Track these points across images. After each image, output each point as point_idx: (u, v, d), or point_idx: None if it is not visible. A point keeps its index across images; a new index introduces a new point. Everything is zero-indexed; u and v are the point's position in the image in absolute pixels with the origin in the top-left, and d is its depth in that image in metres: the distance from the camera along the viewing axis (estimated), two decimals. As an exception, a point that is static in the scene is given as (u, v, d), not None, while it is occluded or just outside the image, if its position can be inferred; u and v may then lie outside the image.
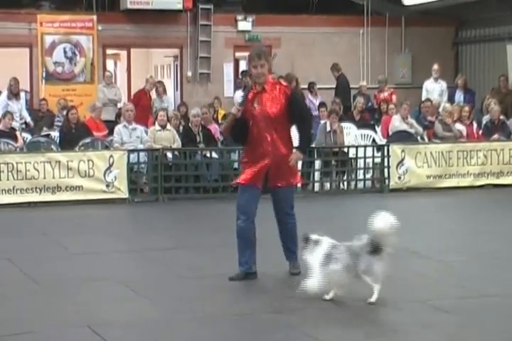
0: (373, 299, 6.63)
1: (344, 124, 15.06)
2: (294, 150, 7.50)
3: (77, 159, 12.72)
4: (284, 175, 7.55)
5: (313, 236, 7.01)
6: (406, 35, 20.10)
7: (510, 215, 11.36)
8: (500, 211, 11.91)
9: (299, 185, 7.57)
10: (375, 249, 6.61)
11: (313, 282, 6.71)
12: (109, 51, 19.74)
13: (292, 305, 6.70)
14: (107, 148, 13.72)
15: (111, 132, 14.35)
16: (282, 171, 7.51)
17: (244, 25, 19.23)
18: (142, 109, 15.90)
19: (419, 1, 19.22)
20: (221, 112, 16.86)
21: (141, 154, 13.35)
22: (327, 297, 6.79)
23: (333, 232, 10.27)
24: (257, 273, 7.64)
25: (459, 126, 15.25)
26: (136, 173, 13.38)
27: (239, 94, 17.26)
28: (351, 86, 17.83)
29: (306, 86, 17.65)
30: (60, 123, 15.02)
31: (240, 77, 19.07)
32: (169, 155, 13.53)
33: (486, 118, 16.03)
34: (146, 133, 14.05)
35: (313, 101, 17.31)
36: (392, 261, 8.05)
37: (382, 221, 6.58)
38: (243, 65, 20.95)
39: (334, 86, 17.83)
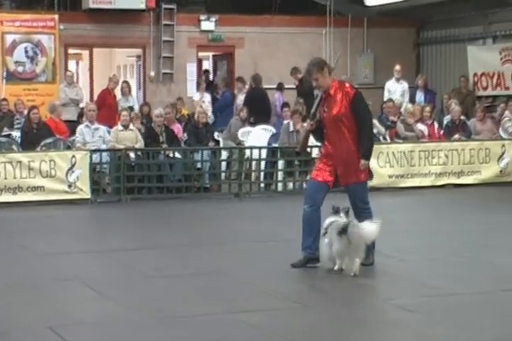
0: (336, 268, 7.74)
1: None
2: (360, 159, 7.88)
3: (39, 159, 12.61)
4: (352, 173, 7.93)
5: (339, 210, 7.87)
6: (368, 35, 20.20)
7: (471, 214, 11.47)
8: (462, 210, 12.03)
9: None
10: (342, 230, 7.54)
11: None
12: (71, 51, 19.59)
13: (259, 305, 6.71)
14: (69, 148, 13.63)
15: (73, 132, 14.25)
16: (350, 169, 7.92)
17: (208, 25, 19.19)
18: (109, 108, 15.81)
19: (381, 2, 19.34)
20: (184, 112, 16.82)
21: (104, 154, 13.29)
22: (335, 268, 7.74)
23: (295, 231, 10.34)
24: (319, 259, 7.98)
25: (420, 126, 15.37)
26: (99, 173, 13.31)
27: (197, 97, 17.30)
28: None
29: (271, 86, 17.69)
30: (19, 125, 14.88)
31: (203, 77, 19.06)
32: (132, 155, 13.47)
33: (447, 119, 16.19)
34: (109, 133, 13.98)
35: (282, 100, 17.35)
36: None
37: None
38: (206, 65, 21.00)
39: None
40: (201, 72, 19.74)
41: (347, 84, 7.99)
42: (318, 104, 8.06)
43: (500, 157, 14.83)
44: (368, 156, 7.96)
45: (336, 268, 7.78)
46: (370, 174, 8.17)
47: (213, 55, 20.47)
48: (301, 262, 8.00)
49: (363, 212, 8.01)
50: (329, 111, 7.90)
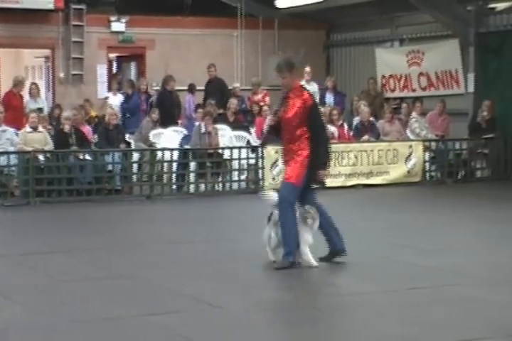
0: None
1: (219, 126, 15.15)
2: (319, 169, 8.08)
3: None
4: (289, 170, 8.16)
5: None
6: (279, 37, 20.36)
7: (378, 214, 11.69)
8: (369, 210, 12.24)
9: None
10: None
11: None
12: (-24, 51, 19.19)
13: (172, 306, 6.70)
14: (-25, 150, 13.34)
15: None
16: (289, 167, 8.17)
17: (118, 26, 19.02)
18: (14, 110, 15.50)
19: (291, 5, 19.51)
20: (92, 114, 16.64)
21: (12, 156, 13.05)
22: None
23: (208, 233, 10.36)
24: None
25: (330, 128, 15.55)
26: (7, 176, 13.08)
27: (114, 100, 17.10)
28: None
29: (182, 87, 17.66)
30: None
31: (118, 79, 18.82)
32: (41, 157, 13.27)
33: (356, 120, 16.44)
34: (17, 135, 13.73)
35: (193, 102, 17.33)
36: (267, 264, 8.20)
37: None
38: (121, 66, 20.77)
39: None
40: (112, 74, 19.53)
41: (306, 93, 8.14)
42: (281, 103, 8.27)
43: (408, 157, 15.17)
44: (324, 167, 8.11)
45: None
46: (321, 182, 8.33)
47: (117, 57, 20.18)
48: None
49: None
50: (285, 113, 8.12)
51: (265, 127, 8.40)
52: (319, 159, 8.04)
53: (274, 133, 8.40)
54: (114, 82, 17.95)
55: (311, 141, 8.02)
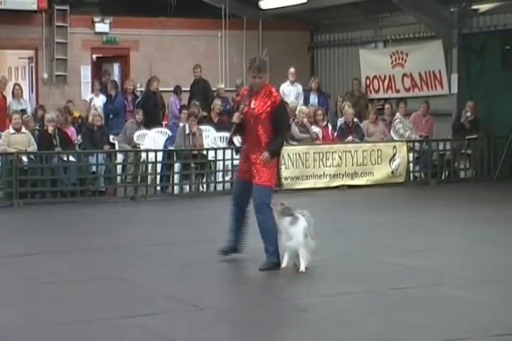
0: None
1: (203, 127, 15.14)
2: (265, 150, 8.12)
3: None
4: (256, 173, 8.17)
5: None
6: (263, 38, 20.38)
7: (362, 215, 11.70)
8: (353, 211, 12.26)
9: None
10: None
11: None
12: (-41, 52, 19.09)
13: (155, 308, 6.69)
14: (-42, 152, 13.26)
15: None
16: (255, 169, 8.19)
17: (102, 27, 18.98)
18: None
19: (275, 5, 19.53)
20: (76, 115, 16.58)
21: (-5, 158, 12.99)
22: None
23: (193, 234, 10.36)
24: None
25: (314, 129, 15.59)
26: (-10, 178, 13.01)
27: (97, 101, 17.04)
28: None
29: (165, 88, 17.65)
30: None
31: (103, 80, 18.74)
32: (24, 159, 13.22)
33: (340, 121, 16.46)
34: (0, 136, 13.67)
35: (178, 103, 17.32)
36: (251, 263, 8.21)
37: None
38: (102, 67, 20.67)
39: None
40: (101, 73, 19.39)
41: (275, 91, 8.28)
42: (245, 100, 8.28)
43: (392, 158, 15.21)
44: (272, 151, 8.10)
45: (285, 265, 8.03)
46: (279, 181, 8.34)
47: (97, 58, 20.05)
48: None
49: (256, 212, 8.15)
50: (252, 109, 8.17)
51: (233, 126, 8.37)
52: (273, 145, 8.12)
53: (238, 132, 8.43)
54: (96, 83, 17.91)
55: (272, 132, 8.13)
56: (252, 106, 8.19)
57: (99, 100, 17.10)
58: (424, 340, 5.89)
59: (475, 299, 6.93)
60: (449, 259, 8.60)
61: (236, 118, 8.27)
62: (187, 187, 14.21)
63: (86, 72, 19.05)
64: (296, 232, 7.90)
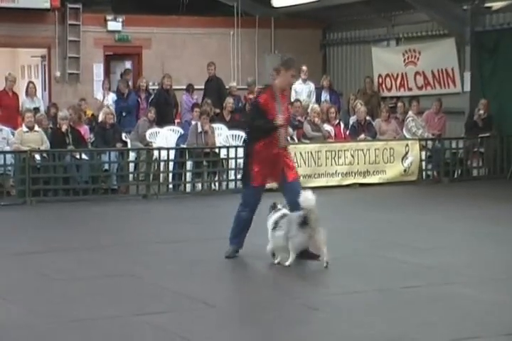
0: (288, 263, 7.87)
1: (215, 125, 15.16)
2: None
3: None
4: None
5: (277, 205, 8.20)
6: (275, 36, 20.36)
7: (374, 213, 11.67)
8: (365, 209, 12.22)
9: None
10: (303, 222, 7.77)
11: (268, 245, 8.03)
12: (-28, 50, 19.16)
13: (165, 306, 6.71)
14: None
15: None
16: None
17: (114, 25, 19.03)
18: (6, 109, 15.47)
19: (287, 3, 19.51)
20: (88, 113, 16.63)
21: (8, 156, 13.05)
22: (275, 261, 7.97)
23: (205, 232, 10.38)
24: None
25: (327, 127, 15.58)
26: (3, 176, 13.08)
27: (107, 99, 17.06)
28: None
29: (178, 87, 17.66)
30: None
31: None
32: (37, 157, 13.27)
33: (352, 119, 16.44)
34: (13, 134, 13.73)
35: (191, 101, 17.32)
36: (261, 261, 8.22)
37: (308, 199, 7.77)
38: (113, 66, 20.71)
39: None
40: (108, 73, 19.45)
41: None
42: (279, 102, 8.27)
43: (404, 156, 15.17)
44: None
45: (277, 261, 8.04)
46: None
47: (106, 56, 20.05)
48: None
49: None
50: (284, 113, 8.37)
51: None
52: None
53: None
54: (106, 81, 17.95)
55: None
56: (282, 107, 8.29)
57: (110, 98, 17.13)
58: (433, 339, 5.88)
59: (483, 297, 6.92)
60: (457, 257, 8.58)
61: (281, 120, 8.22)
62: (199, 186, 14.22)
63: (98, 70, 19.09)
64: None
